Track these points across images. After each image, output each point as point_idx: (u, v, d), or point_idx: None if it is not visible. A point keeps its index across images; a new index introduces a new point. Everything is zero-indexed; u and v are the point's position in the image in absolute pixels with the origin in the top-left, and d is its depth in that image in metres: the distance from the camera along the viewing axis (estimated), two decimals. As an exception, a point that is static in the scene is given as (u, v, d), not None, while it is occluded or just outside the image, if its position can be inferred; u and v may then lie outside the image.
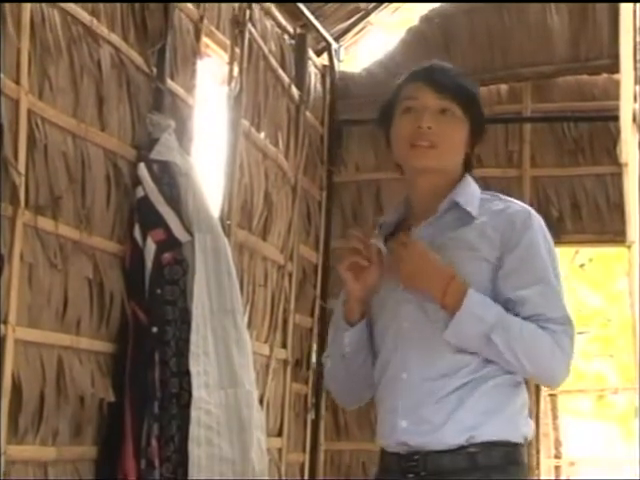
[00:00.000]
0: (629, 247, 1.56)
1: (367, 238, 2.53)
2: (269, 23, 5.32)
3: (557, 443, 5.94)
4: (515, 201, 2.53)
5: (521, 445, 2.43)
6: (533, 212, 2.50)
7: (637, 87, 1.64)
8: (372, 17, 6.36)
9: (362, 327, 2.54)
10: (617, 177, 4.17)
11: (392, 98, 2.56)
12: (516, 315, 2.37)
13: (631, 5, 1.61)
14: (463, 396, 2.39)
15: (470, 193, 2.51)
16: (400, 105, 2.52)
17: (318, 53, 6.14)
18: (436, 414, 2.41)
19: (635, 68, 1.66)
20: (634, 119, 1.62)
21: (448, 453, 2.40)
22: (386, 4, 6.32)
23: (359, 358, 2.56)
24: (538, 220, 2.48)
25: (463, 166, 2.56)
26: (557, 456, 6.36)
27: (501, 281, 2.40)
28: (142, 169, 3.82)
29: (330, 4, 5.96)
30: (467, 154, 2.56)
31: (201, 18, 4.44)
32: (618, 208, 4.62)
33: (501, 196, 2.54)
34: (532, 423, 2.52)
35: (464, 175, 2.55)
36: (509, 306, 2.38)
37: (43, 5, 3.34)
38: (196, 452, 3.67)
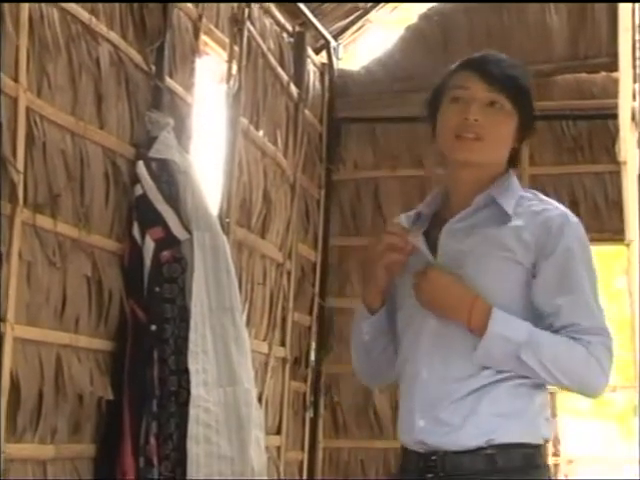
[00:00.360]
0: (628, 245, 1.56)
1: (404, 233, 2.47)
2: (268, 21, 5.32)
3: (556, 441, 5.94)
4: (554, 203, 2.46)
5: (541, 447, 2.40)
6: (571, 216, 2.42)
7: (636, 85, 1.64)
8: (371, 15, 6.36)
9: (381, 316, 2.50)
10: (616, 175, 4.16)
11: (441, 84, 2.49)
12: (550, 325, 2.33)
13: (630, 3, 1.62)
14: (481, 398, 2.36)
15: (509, 189, 2.45)
16: (448, 93, 2.46)
17: (317, 51, 6.14)
18: (453, 415, 2.40)
19: (634, 66, 1.66)
20: (633, 117, 1.62)
21: (467, 454, 2.38)
22: (384, 3, 6.31)
23: (379, 345, 2.52)
24: (575, 225, 2.41)
25: (508, 161, 2.50)
26: (555, 454, 6.35)
27: (535, 288, 2.35)
28: (141, 167, 3.82)
29: (329, 3, 5.96)
30: (514, 149, 2.50)
31: (200, 16, 4.44)
32: (617, 206, 4.62)
33: (540, 196, 2.48)
34: (554, 423, 2.50)
35: (507, 171, 2.50)
36: (543, 316, 2.34)
37: (42, 3, 3.34)
38: (195, 450, 3.67)
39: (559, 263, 2.35)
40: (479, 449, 2.37)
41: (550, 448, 6.77)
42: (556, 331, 2.34)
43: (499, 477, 2.35)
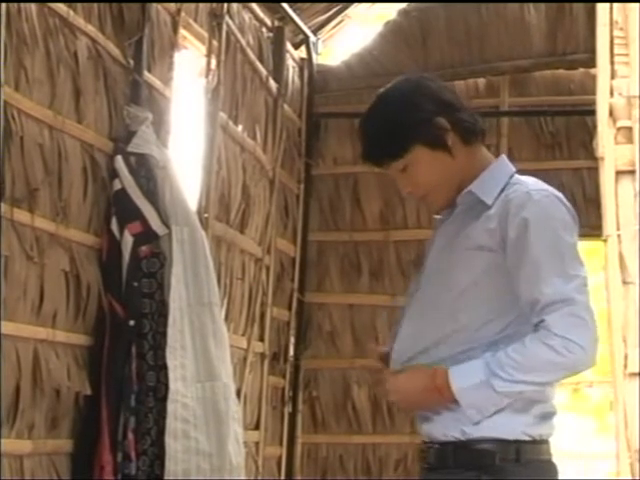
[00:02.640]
0: (605, 241, 1.57)
1: (379, 349, 2.57)
2: (247, 16, 5.31)
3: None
4: (528, 183, 2.44)
5: (523, 443, 2.37)
6: (536, 192, 2.39)
7: (613, 81, 1.65)
8: (350, 10, 6.36)
9: None
10: (593, 171, 4.18)
11: None
12: (524, 309, 2.33)
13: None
14: None
15: (489, 181, 2.46)
16: None
17: (296, 46, 6.13)
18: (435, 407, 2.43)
19: (611, 62, 1.66)
20: (610, 113, 1.63)
21: (450, 446, 2.40)
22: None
23: None
24: (538, 200, 2.38)
25: (479, 159, 2.51)
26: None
27: (509, 273, 2.35)
28: (119, 162, 3.81)
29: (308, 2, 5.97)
30: (470, 149, 2.49)
31: (178, 10, 4.43)
32: (594, 203, 4.64)
33: (524, 179, 2.46)
34: (551, 422, 2.45)
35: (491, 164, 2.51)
36: (520, 300, 2.34)
37: (19, -4, 3.32)
38: (173, 445, 3.67)
39: (515, 240, 2.34)
40: (459, 442, 2.38)
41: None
42: (529, 316, 2.33)
43: (475, 473, 2.35)
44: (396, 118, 2.47)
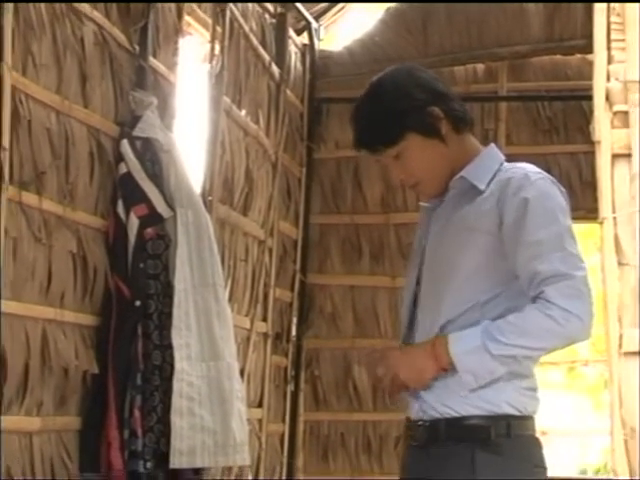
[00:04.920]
0: (601, 223, 1.56)
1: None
2: (250, 3, 5.29)
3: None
4: (523, 166, 2.47)
5: (513, 417, 2.37)
6: (533, 174, 2.42)
7: (610, 66, 1.64)
8: (352, -3, 6.35)
9: None
10: (590, 155, 4.18)
11: None
12: (523, 286, 2.34)
13: (605, -14, 1.62)
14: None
15: (481, 166, 2.48)
16: None
17: (298, 32, 6.12)
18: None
19: (608, 48, 1.66)
20: (607, 98, 1.63)
21: (442, 422, 2.40)
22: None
23: None
24: (535, 181, 2.41)
25: (470, 147, 2.53)
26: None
27: (507, 252, 2.37)
28: (125, 146, 3.80)
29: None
30: (460, 136, 2.50)
31: (183, -3, 4.42)
32: (590, 186, 4.65)
33: (518, 164, 2.49)
34: (536, 397, 2.45)
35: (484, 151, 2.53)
36: (520, 278, 2.35)
37: (27, -17, 3.31)
38: (178, 423, 3.67)
39: (514, 220, 2.35)
40: (452, 418, 2.38)
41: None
42: (527, 290, 2.34)
43: (448, 449, 2.36)
44: (391, 106, 2.48)
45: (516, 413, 2.39)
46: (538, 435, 2.48)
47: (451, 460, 2.37)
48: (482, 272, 2.40)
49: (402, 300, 2.61)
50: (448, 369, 2.36)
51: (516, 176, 2.41)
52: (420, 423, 2.46)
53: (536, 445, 2.47)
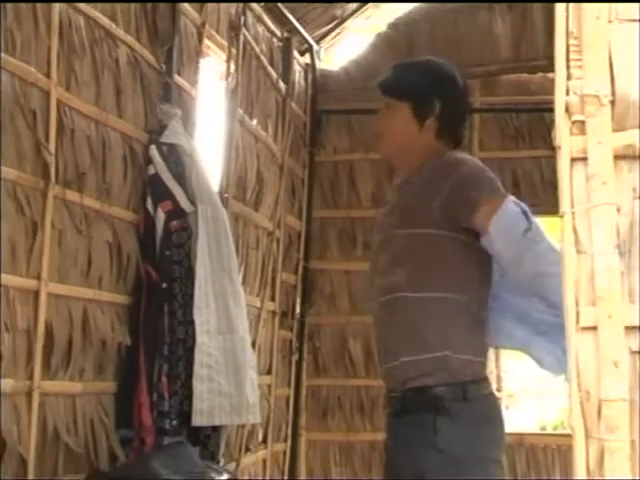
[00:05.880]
0: (562, 217, 1.57)
1: None
2: (260, 28, 5.28)
3: (499, 379, 5.99)
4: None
5: (468, 382, 2.34)
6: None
7: (569, 82, 1.65)
8: (347, 23, 6.32)
9: None
10: (551, 159, 4.19)
11: None
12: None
13: (564, 12, 1.62)
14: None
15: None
16: None
17: (302, 53, 6.10)
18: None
19: (567, 66, 1.66)
20: (566, 109, 1.63)
21: (410, 392, 2.38)
22: (360, 11, 6.26)
23: None
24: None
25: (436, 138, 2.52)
26: (499, 390, 6.41)
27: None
28: (153, 150, 3.80)
29: (312, 11, 5.91)
30: (438, 128, 2.50)
31: (203, 23, 4.41)
32: (551, 185, 4.66)
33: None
34: (486, 359, 2.42)
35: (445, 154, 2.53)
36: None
37: (70, 10, 3.31)
38: (199, 387, 3.68)
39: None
40: (418, 389, 2.35)
41: (495, 385, 6.85)
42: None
43: (433, 415, 2.33)
44: (418, 76, 2.54)
45: (470, 379, 2.37)
46: (495, 393, 2.47)
47: (418, 426, 2.35)
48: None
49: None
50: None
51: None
52: (393, 395, 2.44)
53: (492, 402, 2.44)
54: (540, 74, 5.97)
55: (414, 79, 2.51)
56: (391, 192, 2.62)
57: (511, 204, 2.31)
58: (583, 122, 1.66)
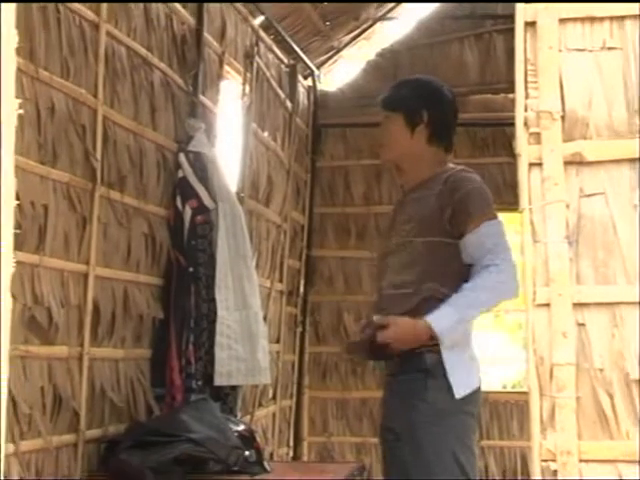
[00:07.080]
0: (521, 212, 1.59)
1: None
2: (270, 56, 5.27)
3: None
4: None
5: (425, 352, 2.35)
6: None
7: (527, 101, 1.66)
8: (343, 52, 6.32)
9: None
10: (512, 165, 4.19)
11: None
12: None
13: (522, 43, 1.63)
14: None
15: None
16: None
17: (305, 77, 6.09)
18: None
19: (526, 88, 1.67)
20: (525, 123, 1.64)
21: (404, 354, 2.39)
22: (353, 43, 6.24)
23: None
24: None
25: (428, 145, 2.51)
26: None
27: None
28: (181, 157, 3.80)
29: (314, 42, 5.90)
30: (430, 136, 2.50)
31: (223, 52, 4.39)
32: (512, 186, 4.65)
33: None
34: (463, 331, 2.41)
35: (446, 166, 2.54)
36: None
37: (113, 41, 3.30)
38: (220, 354, 3.68)
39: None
40: (409, 351, 2.35)
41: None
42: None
43: (424, 375, 2.35)
44: (410, 92, 2.53)
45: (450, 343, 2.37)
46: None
47: (412, 382, 2.38)
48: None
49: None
50: (426, 342, 2.33)
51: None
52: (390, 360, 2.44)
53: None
54: (502, 95, 5.96)
55: (406, 93, 2.52)
56: (403, 195, 2.57)
57: (486, 228, 2.34)
58: (539, 134, 1.66)
